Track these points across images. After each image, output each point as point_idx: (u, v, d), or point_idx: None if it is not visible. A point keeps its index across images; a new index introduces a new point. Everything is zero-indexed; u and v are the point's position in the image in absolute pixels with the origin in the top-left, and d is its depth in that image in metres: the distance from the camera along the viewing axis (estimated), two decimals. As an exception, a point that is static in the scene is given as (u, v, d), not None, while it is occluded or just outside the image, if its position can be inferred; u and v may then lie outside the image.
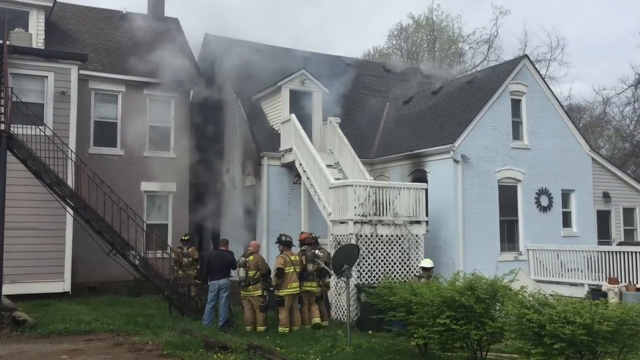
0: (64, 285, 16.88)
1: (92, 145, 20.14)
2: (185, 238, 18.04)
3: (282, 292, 12.71)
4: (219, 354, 9.72)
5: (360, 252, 15.28)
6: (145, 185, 20.86)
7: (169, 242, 20.67)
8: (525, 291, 8.40)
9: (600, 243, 20.41)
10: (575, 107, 41.29)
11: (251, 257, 13.06)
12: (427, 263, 13.73)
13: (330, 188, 16.42)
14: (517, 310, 7.54)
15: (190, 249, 17.87)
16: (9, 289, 15.76)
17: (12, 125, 14.81)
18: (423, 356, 10.02)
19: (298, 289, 12.85)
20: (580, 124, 41.34)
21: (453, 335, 8.75)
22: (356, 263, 15.08)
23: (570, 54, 63.19)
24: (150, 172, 20.84)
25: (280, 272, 12.66)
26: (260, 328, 12.74)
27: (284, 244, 13.17)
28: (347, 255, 11.27)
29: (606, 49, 56.93)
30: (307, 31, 53.59)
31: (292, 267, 12.80)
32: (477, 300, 8.69)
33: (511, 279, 9.10)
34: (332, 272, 12.44)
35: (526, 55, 20.45)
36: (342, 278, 11.69)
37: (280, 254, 13.15)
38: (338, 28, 57.28)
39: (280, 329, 12.50)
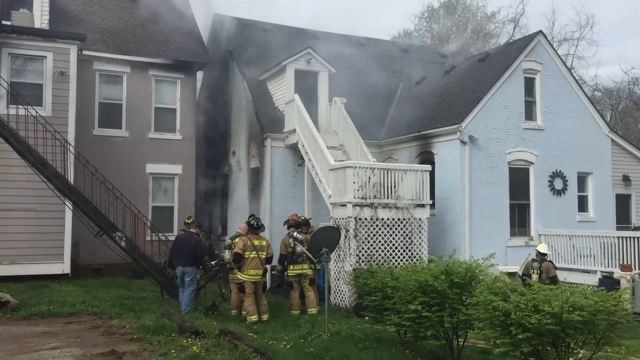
0: (63, 266, 16.77)
1: (96, 126, 19.97)
2: (189, 221, 17.74)
3: (242, 278, 12.10)
4: (189, 339, 9.41)
5: (360, 235, 14.89)
6: (151, 167, 20.62)
7: (175, 224, 20.55)
8: (503, 278, 7.82)
9: (619, 228, 19.47)
10: (615, 90, 39.63)
11: (237, 240, 12.68)
12: (542, 248, 13.72)
13: (330, 170, 15.97)
14: (484, 297, 6.98)
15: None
16: (8, 269, 15.97)
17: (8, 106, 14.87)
18: (403, 344, 9.54)
19: (259, 277, 12.16)
20: (619, 108, 39.78)
21: (426, 322, 8.25)
22: (356, 247, 14.73)
23: (600, 33, 61.01)
24: (156, 154, 20.61)
25: (237, 256, 12.02)
26: (249, 318, 12.27)
27: (249, 226, 12.58)
28: (326, 239, 10.79)
29: (636, 28, 54.66)
30: (332, 13, 53.00)
31: (255, 252, 12.03)
32: (451, 286, 8.16)
33: (488, 265, 8.52)
34: (308, 254, 11.90)
35: (541, 31, 19.44)
36: (322, 262, 11.18)
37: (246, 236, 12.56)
38: (365, 9, 56.30)
39: (248, 318, 11.84)
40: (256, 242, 12.20)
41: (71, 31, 18.89)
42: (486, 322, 7.12)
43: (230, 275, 12.91)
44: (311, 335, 9.97)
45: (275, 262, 13.63)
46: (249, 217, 12.85)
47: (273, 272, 15.33)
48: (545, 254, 13.61)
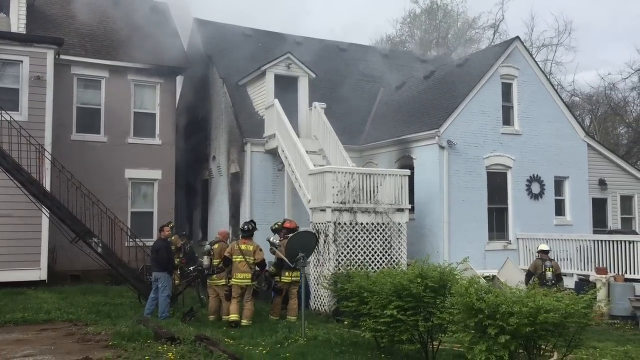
0: (40, 273, 16.55)
1: (74, 131, 19.79)
2: (169, 226, 17.66)
3: (231, 282, 12.14)
4: (165, 345, 9.35)
5: (339, 240, 14.90)
6: (130, 173, 20.46)
7: (154, 230, 20.39)
8: (477, 281, 7.85)
9: (595, 232, 19.72)
10: (594, 95, 40.06)
11: (216, 245, 12.66)
12: (544, 247, 14.50)
13: (309, 175, 15.97)
14: (461, 298, 7.02)
15: (172, 238, 17.56)
16: (-17, 276, 15.72)
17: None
18: (379, 348, 9.55)
19: (248, 280, 12.09)
20: (599, 114, 40.24)
21: (401, 327, 8.28)
22: (335, 251, 14.73)
23: (578, 39, 61.81)
24: (135, 159, 20.48)
25: (226, 260, 12.13)
26: (227, 317, 12.16)
27: (241, 231, 12.62)
28: (303, 243, 10.79)
29: (616, 34, 55.48)
30: (313, 18, 53.15)
31: (242, 256, 12.05)
32: (426, 289, 8.20)
33: (463, 269, 8.59)
34: (285, 259, 11.87)
35: (517, 37, 19.68)
36: (298, 267, 11.18)
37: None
38: (347, 15, 56.56)
39: (230, 316, 11.92)
40: (243, 247, 12.17)
41: (48, 35, 18.76)
42: (460, 325, 7.16)
43: (208, 281, 12.85)
44: (288, 341, 9.97)
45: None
46: (244, 224, 12.88)
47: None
48: (548, 251, 14.37)
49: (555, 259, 17.24)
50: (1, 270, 15.96)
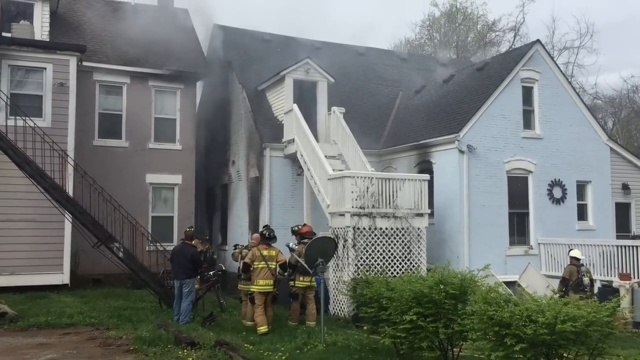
0: (62, 277, 16.76)
1: (97, 137, 20.04)
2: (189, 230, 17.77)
3: (252, 289, 12.08)
4: (185, 350, 9.41)
5: (358, 245, 14.89)
6: (151, 177, 20.66)
7: (175, 234, 20.57)
8: (496, 289, 7.80)
9: (618, 237, 19.43)
10: (617, 98, 39.54)
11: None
12: (578, 253, 14.17)
13: (328, 179, 16.01)
14: (478, 307, 6.98)
15: (193, 242, 17.67)
16: (7, 280, 16.00)
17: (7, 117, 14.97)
18: (399, 354, 9.51)
19: (270, 287, 11.98)
20: (621, 116, 39.72)
21: (421, 333, 8.24)
22: (354, 256, 14.72)
23: (600, 41, 61.01)
24: (156, 164, 20.67)
25: (245, 266, 12.11)
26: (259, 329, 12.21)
27: (261, 236, 12.67)
28: (322, 249, 10.79)
29: (639, 35, 54.72)
30: (331, 22, 53.23)
31: (264, 262, 11.94)
32: (447, 296, 8.16)
33: (484, 276, 8.53)
34: (304, 264, 11.84)
35: (538, 40, 19.51)
36: (317, 273, 11.18)
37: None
38: (367, 19, 56.54)
39: (258, 329, 11.69)
40: (265, 252, 12.06)
41: (71, 43, 19.03)
42: (480, 333, 7.12)
43: (239, 285, 12.98)
44: (307, 346, 9.98)
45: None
46: (263, 227, 12.93)
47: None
48: (579, 259, 14.09)
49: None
50: (25, 274, 16.23)
